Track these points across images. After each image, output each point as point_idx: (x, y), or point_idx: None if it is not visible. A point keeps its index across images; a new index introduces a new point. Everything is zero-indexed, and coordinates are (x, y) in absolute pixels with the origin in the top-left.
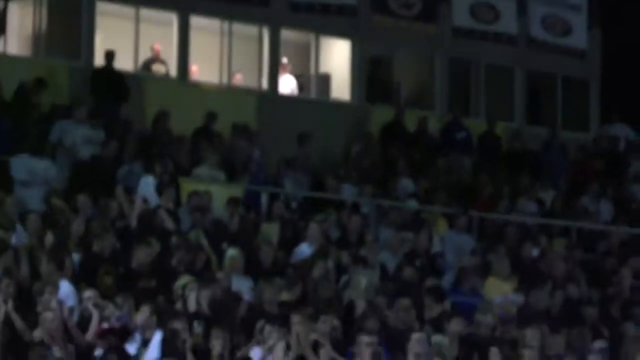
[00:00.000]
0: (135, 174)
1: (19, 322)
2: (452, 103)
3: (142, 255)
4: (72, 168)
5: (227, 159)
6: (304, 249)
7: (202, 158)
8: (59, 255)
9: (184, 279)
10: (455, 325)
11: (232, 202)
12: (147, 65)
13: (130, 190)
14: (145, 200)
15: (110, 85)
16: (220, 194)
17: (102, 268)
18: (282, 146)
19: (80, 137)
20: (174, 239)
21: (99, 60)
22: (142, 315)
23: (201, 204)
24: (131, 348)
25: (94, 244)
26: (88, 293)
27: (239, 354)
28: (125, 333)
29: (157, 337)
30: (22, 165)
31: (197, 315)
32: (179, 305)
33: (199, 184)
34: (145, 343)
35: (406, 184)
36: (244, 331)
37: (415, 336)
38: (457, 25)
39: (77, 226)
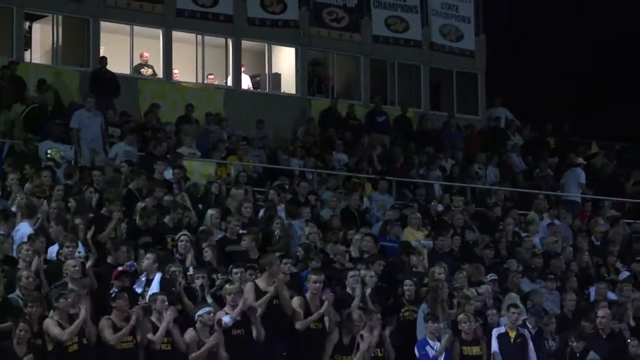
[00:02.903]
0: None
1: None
2: (374, 94)
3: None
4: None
5: (202, 140)
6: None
7: (183, 139)
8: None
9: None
10: (378, 266)
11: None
12: (137, 69)
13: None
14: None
15: (105, 84)
16: (197, 167)
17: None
18: (245, 130)
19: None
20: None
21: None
22: (147, 261)
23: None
24: (138, 288)
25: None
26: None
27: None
28: (134, 275)
29: (157, 278)
30: (46, 147)
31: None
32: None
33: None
34: (148, 283)
35: (340, 157)
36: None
37: (351, 273)
38: (376, 34)
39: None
